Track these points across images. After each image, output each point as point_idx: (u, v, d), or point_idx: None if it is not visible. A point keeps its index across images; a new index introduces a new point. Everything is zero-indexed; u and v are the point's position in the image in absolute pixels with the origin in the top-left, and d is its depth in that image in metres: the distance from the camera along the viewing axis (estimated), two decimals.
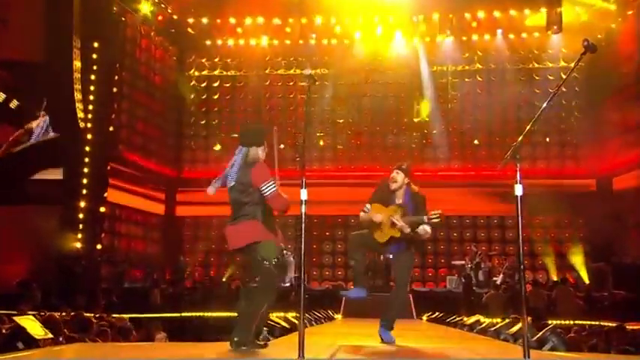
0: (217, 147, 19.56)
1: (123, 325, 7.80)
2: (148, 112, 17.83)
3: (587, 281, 16.01)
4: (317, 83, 3.67)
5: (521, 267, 3.43)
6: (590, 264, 16.61)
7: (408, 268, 5.42)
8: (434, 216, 5.12)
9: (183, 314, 11.94)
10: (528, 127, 3.52)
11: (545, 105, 3.59)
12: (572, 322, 11.03)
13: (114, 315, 9.47)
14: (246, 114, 19.70)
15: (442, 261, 18.53)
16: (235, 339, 4.23)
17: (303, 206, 3.69)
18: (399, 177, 5.51)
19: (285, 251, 16.76)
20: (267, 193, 4.37)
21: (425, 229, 5.18)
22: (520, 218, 3.41)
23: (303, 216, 3.69)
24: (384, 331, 5.42)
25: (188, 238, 19.33)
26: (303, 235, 3.64)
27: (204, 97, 19.86)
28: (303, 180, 3.75)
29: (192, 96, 19.78)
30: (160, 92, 18.61)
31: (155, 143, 18.27)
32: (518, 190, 3.48)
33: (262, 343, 4.49)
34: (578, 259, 17.17)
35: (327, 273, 18.84)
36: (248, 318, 4.29)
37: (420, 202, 5.45)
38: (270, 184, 4.39)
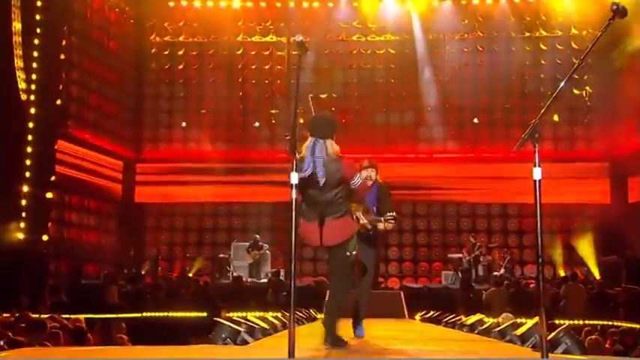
0: (183, 124, 19.40)
1: (77, 326, 7.75)
2: (101, 83, 17.58)
3: (597, 276, 16.34)
4: (308, 52, 3.68)
5: (540, 260, 3.48)
6: (601, 257, 16.95)
7: (373, 262, 6.26)
8: (389, 217, 5.76)
9: (146, 314, 11.90)
10: (549, 103, 3.54)
11: (565, 81, 3.61)
12: (582, 322, 11.26)
13: (65, 316, 9.39)
14: (215, 87, 19.57)
15: (437, 254, 18.76)
16: (328, 336, 4.99)
17: (294, 191, 3.70)
18: (373, 174, 6.19)
19: (260, 243, 16.81)
20: (357, 185, 4.88)
21: (385, 226, 5.86)
22: (539, 206, 3.45)
23: (294, 202, 3.69)
24: (358, 327, 6.33)
25: (149, 227, 19.24)
26: (294, 224, 3.65)
27: (167, 66, 19.64)
28: (294, 162, 3.75)
29: (152, 65, 19.54)
30: (116, 60, 18.35)
31: (110, 119, 18.06)
32: (537, 173, 3.52)
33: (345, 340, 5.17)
34: (588, 252, 17.51)
35: (307, 267, 18.91)
36: (336, 313, 5.04)
37: (385, 192, 6.15)
38: (358, 175, 4.93)
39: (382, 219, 5.79)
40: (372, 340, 6.26)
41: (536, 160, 3.50)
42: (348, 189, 4.85)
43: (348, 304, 5.63)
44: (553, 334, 5.84)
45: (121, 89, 18.65)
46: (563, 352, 5.45)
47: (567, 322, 11.28)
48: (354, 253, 5.01)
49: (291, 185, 3.75)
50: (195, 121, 19.54)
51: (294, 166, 3.75)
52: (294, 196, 3.72)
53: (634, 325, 10.49)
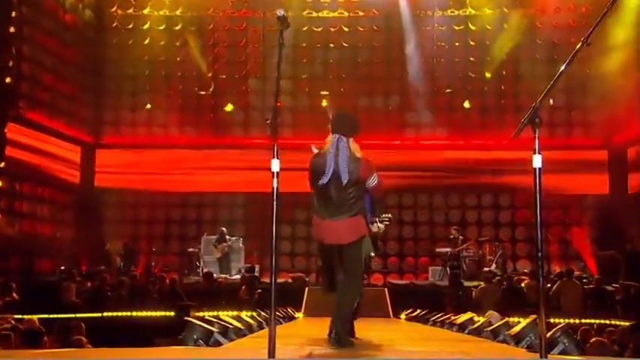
0: (148, 106, 19.22)
1: (30, 327, 7.68)
2: (57, 60, 17.31)
3: (594, 272, 16.60)
4: (289, 28, 3.64)
5: (539, 254, 3.51)
6: (598, 252, 17.22)
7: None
8: (385, 218, 6.28)
9: (107, 314, 11.84)
10: (550, 85, 3.56)
11: (566, 64, 3.63)
12: (578, 321, 11.44)
13: (16, 316, 9.30)
14: (184, 66, 19.40)
15: (423, 248, 18.90)
16: (334, 335, 5.26)
17: (275, 180, 3.69)
18: None
19: (228, 237, 16.74)
20: (374, 184, 5.31)
21: (379, 227, 6.29)
22: (539, 196, 3.48)
23: (275, 192, 3.69)
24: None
25: (110, 219, 19.09)
26: (275, 216, 3.65)
27: (130, 42, 19.40)
28: (275, 147, 3.74)
29: (114, 41, 19.29)
30: (73, 35, 18.07)
31: (67, 100, 17.83)
32: (537, 161, 3.55)
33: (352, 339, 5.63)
34: (584, 247, 17.78)
35: (284, 263, 18.93)
36: (347, 312, 5.43)
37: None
38: (375, 175, 5.31)
39: (377, 220, 6.18)
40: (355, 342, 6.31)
41: (537, 147, 3.54)
42: (364, 188, 5.27)
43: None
44: (549, 333, 5.93)
45: (78, 67, 18.38)
46: (560, 353, 5.53)
47: (563, 321, 11.49)
48: (372, 255, 5.86)
49: (273, 173, 3.74)
50: (161, 103, 19.38)
51: (276, 153, 3.74)
52: (275, 185, 3.71)
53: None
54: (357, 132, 5.38)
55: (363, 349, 5.53)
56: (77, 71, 18.35)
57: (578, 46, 3.57)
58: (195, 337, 5.69)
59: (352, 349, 5.23)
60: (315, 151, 5.69)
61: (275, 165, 3.71)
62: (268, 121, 3.75)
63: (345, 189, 5.17)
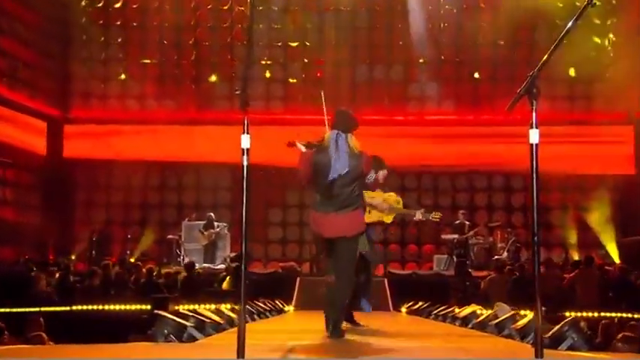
0: (122, 76, 19.12)
1: None
2: (17, 24, 17.22)
3: (617, 261, 16.67)
4: None
5: (535, 239, 3.54)
6: (621, 238, 17.27)
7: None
8: (436, 216, 8.07)
9: (77, 307, 11.89)
10: (551, 49, 3.57)
11: (572, 21, 3.63)
12: (597, 314, 11.52)
13: None
14: (162, 31, 19.32)
15: (428, 234, 18.96)
16: (332, 327, 5.95)
17: (245, 158, 3.69)
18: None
19: (216, 223, 16.95)
20: (371, 180, 6.31)
21: (423, 213, 8.02)
22: (535, 175, 3.50)
23: (245, 171, 3.69)
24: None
25: (81, 203, 19.11)
26: (245, 199, 3.65)
27: (100, 4, 19.30)
28: (245, 122, 3.74)
29: (83, 3, 19.16)
30: None
31: (30, 69, 17.78)
32: (534, 136, 3.57)
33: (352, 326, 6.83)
34: (606, 232, 17.83)
35: (274, 251, 19.01)
36: (342, 305, 6.10)
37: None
38: (372, 171, 6.27)
39: (423, 211, 8.04)
40: (347, 337, 6.37)
41: (534, 121, 3.55)
42: (363, 183, 6.03)
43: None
44: (557, 327, 5.97)
45: (43, 33, 18.30)
46: (568, 349, 5.57)
47: (580, 314, 11.57)
48: (367, 250, 6.84)
49: (242, 150, 3.75)
50: (136, 73, 19.32)
51: (246, 128, 3.74)
52: (245, 163, 3.71)
53: None
54: (355, 129, 6.01)
55: (350, 346, 5.57)
56: (41, 37, 18.25)
57: (582, 7, 3.55)
58: (165, 332, 5.72)
59: (340, 346, 5.37)
60: (301, 147, 6.64)
61: (245, 141, 3.71)
62: (237, 92, 3.75)
63: (346, 184, 5.84)
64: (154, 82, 19.28)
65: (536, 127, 3.51)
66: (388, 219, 7.65)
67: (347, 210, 5.88)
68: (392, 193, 7.75)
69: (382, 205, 7.60)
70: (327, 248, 6.11)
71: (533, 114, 3.58)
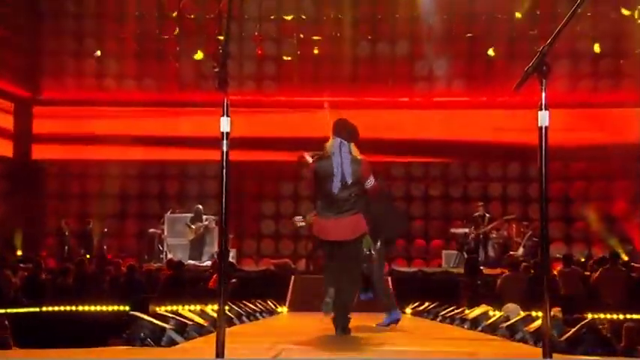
0: (97, 53, 19.05)
1: None
2: None
3: None
4: None
5: (543, 231, 3.54)
6: None
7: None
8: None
9: (47, 309, 11.95)
10: (564, 22, 3.57)
11: None
12: (622, 317, 11.55)
13: None
14: (140, 3, 19.28)
15: (436, 228, 19.00)
16: (341, 326, 6.76)
17: (225, 143, 3.69)
18: None
19: (205, 216, 17.11)
20: (370, 186, 6.90)
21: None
22: (544, 161, 3.50)
23: (225, 157, 3.69)
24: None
25: (52, 193, 19.10)
26: (224, 189, 3.65)
27: None
28: (225, 102, 3.73)
29: None
30: None
31: None
32: (543, 118, 3.57)
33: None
34: (634, 226, 17.83)
35: (266, 247, 19.04)
36: (349, 305, 6.88)
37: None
38: (372, 177, 6.93)
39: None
40: (345, 338, 6.51)
41: (543, 101, 3.55)
42: (363, 188, 6.85)
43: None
44: (573, 330, 6.00)
45: (10, 4, 18.25)
46: (584, 353, 5.60)
47: (603, 316, 11.61)
48: (372, 251, 7.74)
49: (222, 134, 3.74)
50: (113, 50, 19.27)
51: (226, 110, 3.73)
52: (225, 148, 3.71)
53: None
54: (356, 140, 6.93)
55: (346, 349, 5.59)
56: (7, 8, 18.16)
57: None
58: (142, 335, 5.74)
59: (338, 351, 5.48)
60: (309, 159, 7.29)
61: (224, 124, 3.71)
62: (216, 70, 3.74)
63: (348, 189, 6.73)
64: (132, 59, 19.24)
65: (546, 109, 3.50)
66: None
67: (347, 214, 6.77)
68: None
69: None
70: (329, 253, 6.96)
71: (543, 94, 3.58)
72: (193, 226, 16.92)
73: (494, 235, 16.83)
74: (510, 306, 9.16)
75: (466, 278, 14.36)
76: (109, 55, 19.31)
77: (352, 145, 6.87)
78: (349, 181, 6.71)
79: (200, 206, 17.25)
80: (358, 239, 6.96)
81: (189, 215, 17.17)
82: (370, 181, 6.92)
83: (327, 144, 6.86)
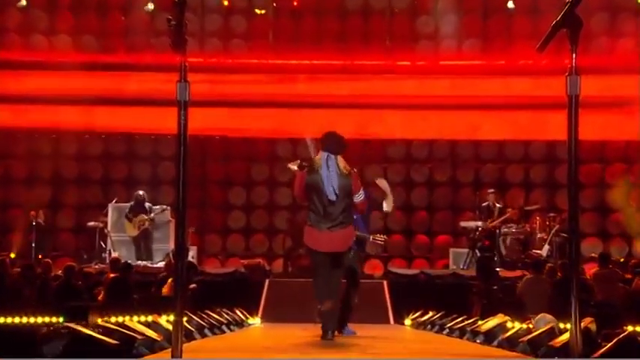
0: (22, 3, 18.82)
1: None
2: None
3: None
4: None
5: (573, 225, 3.55)
6: None
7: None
8: (379, 240, 10.92)
9: None
10: None
11: None
12: None
13: None
14: None
15: (442, 221, 19.09)
16: (332, 331, 8.78)
17: (183, 113, 3.69)
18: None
19: (149, 205, 17.36)
20: (360, 200, 8.84)
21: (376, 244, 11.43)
22: (574, 139, 3.51)
23: (183, 133, 3.69)
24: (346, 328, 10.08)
25: None
26: (181, 172, 3.65)
27: None
28: (183, 66, 3.73)
29: None
30: None
31: None
32: (573, 85, 3.57)
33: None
34: None
35: (235, 244, 19.01)
36: (337, 310, 9.05)
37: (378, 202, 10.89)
38: (362, 191, 8.87)
39: (370, 237, 10.46)
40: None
41: (573, 66, 3.55)
42: (352, 202, 8.73)
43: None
44: (609, 345, 6.06)
45: None
46: None
47: None
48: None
49: (179, 103, 3.74)
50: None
51: (183, 75, 3.73)
52: (182, 119, 3.71)
53: None
54: (343, 152, 8.75)
55: None
56: None
57: None
58: (78, 352, 5.76)
59: None
60: (294, 167, 9.17)
61: (182, 92, 3.71)
62: (172, 25, 3.73)
63: (338, 203, 8.55)
64: (67, 12, 19.18)
65: (577, 74, 3.50)
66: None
67: (339, 227, 8.66)
68: None
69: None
70: (321, 262, 8.71)
71: (573, 55, 3.58)
72: (134, 219, 16.79)
73: (513, 230, 16.86)
74: (546, 317, 9.12)
75: (479, 282, 14.44)
76: (37, 6, 19.14)
77: (339, 157, 8.68)
78: (339, 194, 8.54)
79: (141, 192, 17.12)
80: (350, 250, 9.15)
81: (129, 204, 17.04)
82: (360, 195, 8.76)
83: (316, 157, 8.75)
